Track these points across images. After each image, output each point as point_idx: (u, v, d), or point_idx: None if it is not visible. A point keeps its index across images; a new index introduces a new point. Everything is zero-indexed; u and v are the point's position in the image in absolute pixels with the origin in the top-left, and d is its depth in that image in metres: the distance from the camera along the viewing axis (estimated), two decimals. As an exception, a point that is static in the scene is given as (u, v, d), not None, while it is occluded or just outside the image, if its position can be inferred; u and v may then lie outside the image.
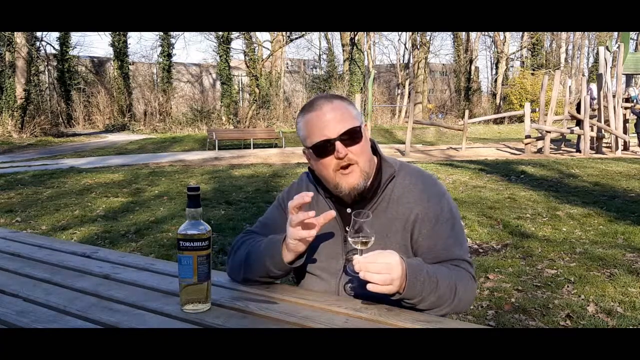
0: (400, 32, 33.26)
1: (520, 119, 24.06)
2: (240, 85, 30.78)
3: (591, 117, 13.88)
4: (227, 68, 27.08)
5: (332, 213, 1.37)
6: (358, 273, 1.25)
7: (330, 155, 1.42)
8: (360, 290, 1.42)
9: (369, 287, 1.24)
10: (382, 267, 1.24)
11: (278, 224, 1.59)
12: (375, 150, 1.55)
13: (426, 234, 1.45)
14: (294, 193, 1.61)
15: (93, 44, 70.39)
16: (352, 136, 1.42)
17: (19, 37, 22.38)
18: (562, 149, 15.06)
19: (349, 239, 1.32)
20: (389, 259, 1.26)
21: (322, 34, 32.25)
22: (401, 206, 1.47)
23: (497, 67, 34.09)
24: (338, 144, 1.41)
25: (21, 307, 1.33)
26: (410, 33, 32.23)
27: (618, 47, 14.18)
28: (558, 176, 9.30)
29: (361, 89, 28.22)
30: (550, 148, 13.99)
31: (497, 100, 32.64)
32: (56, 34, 27.45)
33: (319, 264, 1.52)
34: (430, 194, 1.49)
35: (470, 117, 18.47)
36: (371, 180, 1.49)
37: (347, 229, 1.45)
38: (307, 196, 1.34)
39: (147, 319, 1.26)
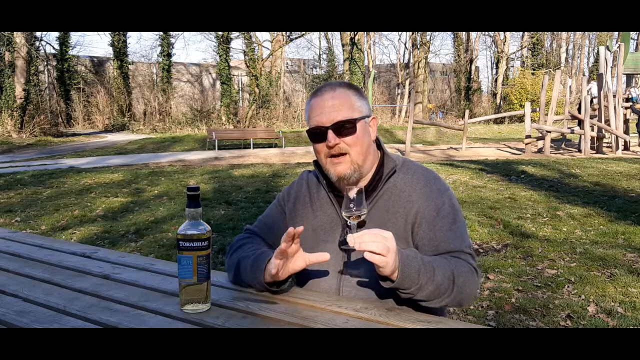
0: (400, 32, 33.26)
1: (520, 119, 24.07)
2: (240, 85, 30.77)
3: (592, 117, 13.88)
4: (227, 68, 27.08)
5: (327, 256, 1.37)
6: (353, 249, 1.25)
7: (323, 142, 1.46)
8: (362, 273, 1.44)
9: (365, 255, 1.23)
10: (376, 237, 1.24)
11: (277, 222, 1.61)
12: (379, 147, 1.56)
13: (426, 227, 1.45)
14: (293, 192, 1.64)
15: (92, 44, 70.38)
16: (345, 127, 1.44)
17: (19, 37, 22.37)
18: (563, 148, 15.06)
19: (342, 212, 1.34)
20: (384, 233, 1.26)
21: (322, 33, 32.24)
22: (403, 200, 1.48)
23: (497, 67, 34.08)
24: (330, 133, 1.44)
25: (21, 307, 1.33)
26: (411, 33, 32.21)
27: (618, 47, 14.18)
28: (558, 176, 9.30)
29: (361, 88, 28.19)
30: (551, 147, 13.99)
31: (498, 100, 32.63)
32: (56, 34, 27.48)
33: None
34: (432, 190, 1.49)
35: (470, 117, 18.47)
36: (372, 174, 1.52)
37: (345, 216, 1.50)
38: (296, 232, 1.33)
39: (146, 319, 1.25)
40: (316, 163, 1.58)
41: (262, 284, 1.41)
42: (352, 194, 1.32)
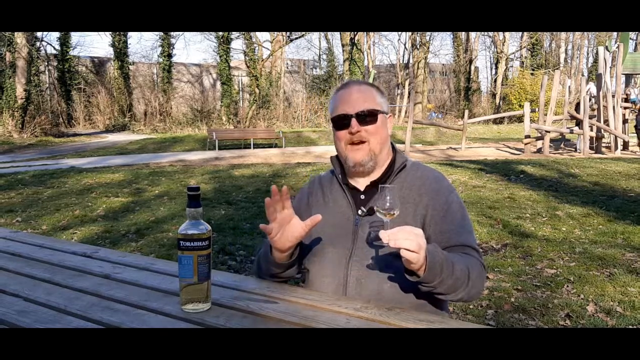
0: (400, 32, 33.26)
1: (519, 119, 24.06)
2: (240, 85, 30.77)
3: (590, 117, 13.89)
4: (227, 68, 27.09)
5: (318, 217, 1.43)
6: (383, 244, 1.29)
7: (346, 129, 1.55)
8: (384, 268, 1.47)
9: (402, 252, 1.27)
10: (409, 234, 1.28)
11: None
12: (392, 148, 1.65)
13: (438, 220, 1.52)
14: (305, 191, 1.72)
15: (93, 44, 70.48)
16: (368, 116, 1.54)
17: (20, 37, 22.37)
18: (562, 148, 15.07)
19: (375, 209, 1.38)
20: (415, 230, 1.30)
21: (322, 34, 32.27)
22: (413, 192, 1.55)
23: (496, 67, 34.08)
24: (353, 120, 1.54)
25: (22, 307, 1.33)
26: (410, 33, 32.21)
27: (617, 47, 14.18)
28: (557, 176, 9.30)
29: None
30: (550, 147, 13.99)
31: (497, 100, 32.63)
32: (56, 34, 27.50)
33: (330, 246, 1.56)
34: (441, 186, 1.58)
35: (469, 117, 18.48)
36: (385, 168, 1.60)
37: (359, 212, 1.55)
38: (283, 190, 1.43)
39: (147, 319, 1.26)
40: (333, 159, 1.66)
41: (274, 262, 1.51)
42: (388, 192, 1.35)
